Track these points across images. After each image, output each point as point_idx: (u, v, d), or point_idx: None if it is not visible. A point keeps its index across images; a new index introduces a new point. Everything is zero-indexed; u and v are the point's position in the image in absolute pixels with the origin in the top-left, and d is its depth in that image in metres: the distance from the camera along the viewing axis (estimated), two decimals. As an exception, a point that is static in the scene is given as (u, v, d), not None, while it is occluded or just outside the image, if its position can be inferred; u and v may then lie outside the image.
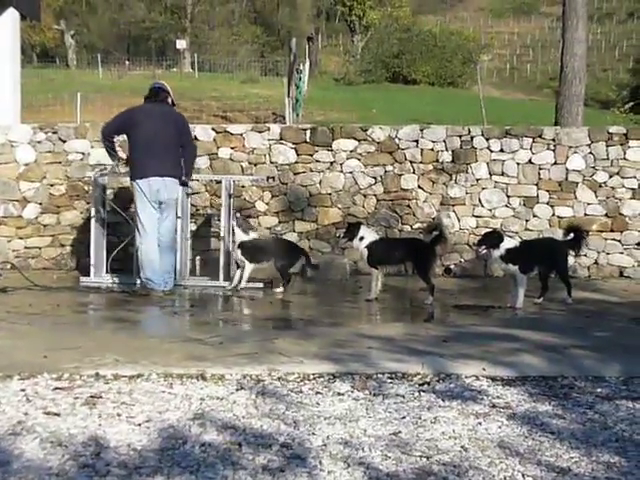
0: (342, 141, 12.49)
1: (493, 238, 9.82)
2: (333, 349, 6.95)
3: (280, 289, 10.53)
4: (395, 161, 12.46)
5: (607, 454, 4.60)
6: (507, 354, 6.87)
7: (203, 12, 69.28)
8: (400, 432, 4.91)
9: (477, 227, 12.38)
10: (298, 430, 4.90)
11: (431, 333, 7.93)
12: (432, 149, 12.46)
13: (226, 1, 72.51)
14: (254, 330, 8.10)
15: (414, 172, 12.46)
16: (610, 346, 7.37)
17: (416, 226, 12.40)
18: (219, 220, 11.48)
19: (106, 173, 11.26)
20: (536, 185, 12.42)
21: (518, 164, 12.41)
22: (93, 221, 11.11)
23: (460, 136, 12.48)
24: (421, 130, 12.53)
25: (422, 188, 12.46)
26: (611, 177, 12.38)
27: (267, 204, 12.49)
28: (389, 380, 6.09)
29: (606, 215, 12.38)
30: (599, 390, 5.94)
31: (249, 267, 10.63)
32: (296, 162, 12.51)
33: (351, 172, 12.47)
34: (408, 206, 12.45)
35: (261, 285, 10.92)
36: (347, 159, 12.48)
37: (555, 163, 12.40)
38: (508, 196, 12.42)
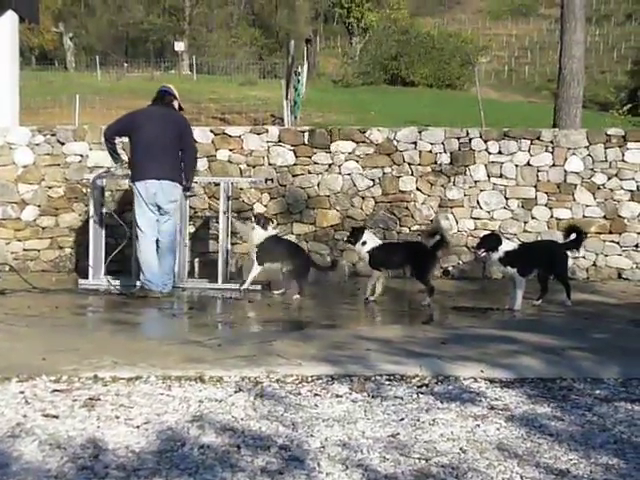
0: (340, 143, 12.49)
1: (492, 241, 9.83)
2: (331, 351, 6.95)
3: (297, 295, 10.39)
4: (393, 163, 12.46)
5: (606, 456, 4.60)
6: (505, 356, 6.87)
7: (201, 14, 69.31)
8: (398, 434, 4.91)
9: (475, 229, 12.39)
10: (296, 432, 4.90)
11: (429, 335, 7.93)
12: (430, 151, 12.46)
13: (224, 3, 72.57)
14: (252, 332, 8.10)
15: (412, 174, 12.47)
16: (609, 348, 7.37)
17: (414, 228, 12.41)
18: (217, 222, 11.47)
19: (105, 175, 11.27)
20: (534, 187, 12.43)
21: (516, 166, 12.41)
22: (91, 223, 11.11)
23: (458, 138, 12.48)
24: (419, 132, 12.54)
25: (420, 190, 12.46)
26: (609, 179, 12.38)
27: (265, 206, 12.49)
28: (387, 382, 6.09)
29: (604, 217, 12.38)
30: (598, 392, 5.94)
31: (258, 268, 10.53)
32: (294, 164, 12.51)
33: (349, 174, 12.48)
34: (406, 208, 12.46)
35: (259, 287, 10.93)
36: (345, 161, 12.48)
37: (553, 165, 12.40)
38: (506, 198, 12.42)
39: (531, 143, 12.42)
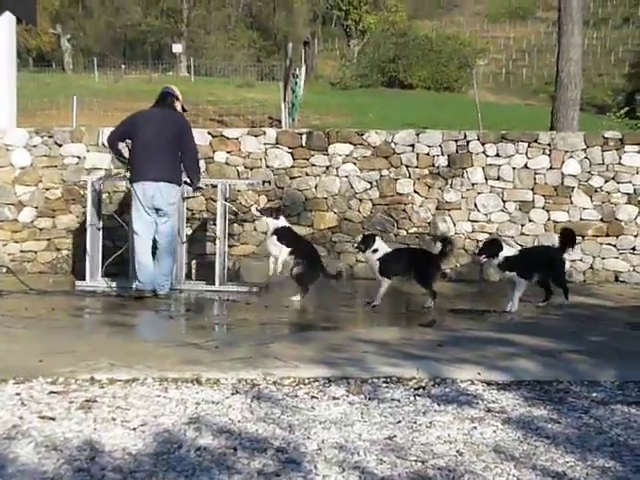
0: (338, 145, 12.49)
1: (493, 247, 9.89)
2: (328, 353, 6.95)
3: (298, 297, 10.35)
4: (391, 165, 12.46)
5: (602, 459, 4.60)
6: (502, 358, 6.88)
7: (199, 16, 69.27)
8: (395, 436, 4.91)
9: (473, 232, 12.39)
10: (293, 434, 4.90)
11: (426, 337, 7.93)
12: (428, 154, 12.46)
13: (222, 5, 72.57)
14: (249, 334, 8.09)
15: (410, 177, 12.46)
16: (605, 351, 7.38)
17: (412, 231, 12.41)
18: (215, 224, 11.47)
19: (102, 177, 11.28)
20: (532, 190, 12.43)
21: (514, 169, 12.41)
22: (89, 225, 11.10)
23: (456, 141, 12.48)
24: (417, 135, 12.54)
25: (418, 192, 12.46)
26: (607, 182, 12.39)
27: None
28: (384, 384, 6.10)
29: (601, 220, 12.39)
30: (594, 395, 5.95)
31: (285, 252, 10.34)
32: (292, 166, 12.51)
33: (347, 176, 12.48)
34: (404, 210, 12.45)
35: (256, 289, 10.94)
36: (343, 163, 12.48)
37: (551, 168, 12.40)
38: (504, 201, 12.42)
39: (528, 146, 12.42)
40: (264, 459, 4.49)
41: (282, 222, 10.51)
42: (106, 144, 11.12)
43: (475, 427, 5.12)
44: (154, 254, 10.36)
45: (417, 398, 5.74)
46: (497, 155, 12.41)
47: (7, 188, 12.44)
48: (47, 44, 67.18)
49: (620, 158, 12.36)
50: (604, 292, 11.44)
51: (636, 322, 9.19)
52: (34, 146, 12.50)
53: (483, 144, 12.44)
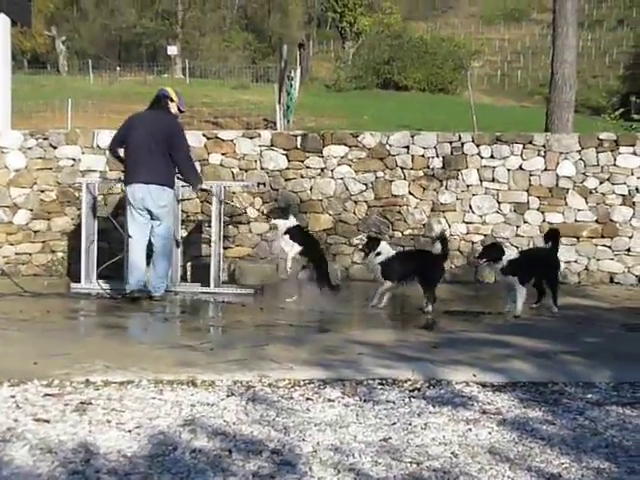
0: (333, 147, 12.51)
1: (494, 251, 9.84)
2: (323, 355, 6.95)
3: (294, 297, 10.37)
4: (386, 167, 12.48)
5: (597, 460, 4.60)
6: (497, 360, 6.88)
7: (194, 18, 69.28)
8: (390, 438, 4.90)
9: (468, 233, 12.42)
10: (288, 436, 4.90)
11: (421, 339, 7.94)
12: (423, 155, 12.48)
13: (217, 7, 72.55)
14: (244, 336, 8.09)
15: (405, 178, 12.48)
16: (600, 352, 7.38)
17: (407, 232, 12.42)
18: (210, 226, 11.47)
19: (97, 179, 11.28)
20: (527, 191, 12.45)
21: (509, 170, 12.44)
22: (84, 227, 11.09)
23: (451, 142, 12.50)
24: (412, 136, 12.56)
25: (413, 194, 12.48)
26: (601, 183, 12.41)
27: (258, 210, 12.49)
28: (379, 386, 6.09)
29: (596, 221, 12.41)
30: (589, 396, 5.94)
31: (296, 250, 10.36)
32: (287, 168, 12.52)
33: (342, 178, 12.49)
34: (399, 212, 12.47)
35: (251, 291, 10.94)
36: (338, 165, 12.50)
37: (545, 169, 12.43)
38: (499, 202, 12.45)
39: (523, 147, 12.45)
40: (259, 461, 4.48)
41: (292, 221, 10.50)
42: (108, 153, 11.10)
43: (470, 429, 5.12)
44: (150, 256, 10.36)
45: (412, 400, 5.74)
46: (492, 157, 12.44)
47: (2, 190, 12.45)
48: (42, 46, 67.12)
49: (615, 159, 12.39)
50: (599, 293, 11.46)
51: (631, 323, 9.21)
52: (29, 148, 12.50)
53: (478, 146, 12.46)
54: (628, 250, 12.42)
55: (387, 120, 31.12)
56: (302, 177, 12.53)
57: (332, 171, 12.51)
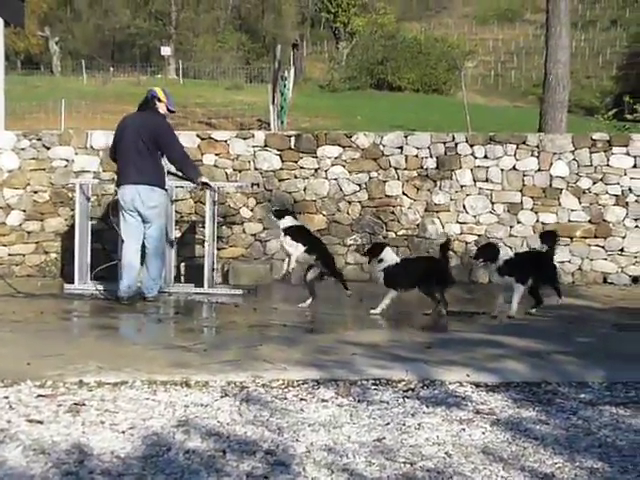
0: (327, 148, 12.52)
1: (490, 251, 9.73)
2: (317, 356, 6.95)
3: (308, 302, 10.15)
4: (379, 168, 12.49)
5: (590, 460, 4.60)
6: (491, 360, 6.88)
7: (188, 19, 69.28)
8: (384, 438, 4.90)
9: (461, 233, 12.43)
10: (282, 437, 4.89)
11: (415, 339, 7.94)
12: (416, 156, 12.49)
13: (211, 8, 72.56)
14: (238, 337, 8.08)
15: (398, 179, 12.49)
16: (593, 352, 7.39)
17: (400, 233, 12.43)
18: (203, 227, 11.47)
19: (90, 180, 11.28)
20: (520, 191, 12.47)
21: (502, 170, 12.46)
22: (77, 228, 11.09)
23: (444, 143, 12.52)
24: (405, 137, 12.57)
25: (406, 195, 12.49)
26: (595, 184, 12.44)
27: (252, 211, 12.50)
28: (373, 386, 6.09)
29: (590, 221, 12.44)
30: (582, 396, 5.95)
31: (297, 251, 9.96)
32: (281, 169, 12.53)
33: (336, 179, 12.50)
34: (392, 212, 12.48)
35: (245, 292, 10.94)
36: (332, 166, 12.51)
37: (539, 170, 12.45)
38: (492, 202, 12.47)
39: (517, 148, 12.47)
40: (253, 462, 4.48)
41: (294, 221, 10.26)
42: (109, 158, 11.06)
43: (464, 429, 5.12)
44: (144, 257, 10.35)
45: (406, 400, 5.74)
46: (485, 157, 12.45)
47: (-5, 191, 12.43)
48: (35, 47, 67.03)
49: (608, 160, 12.42)
50: (592, 293, 11.48)
51: (624, 323, 9.23)
52: (22, 149, 12.50)
53: (471, 146, 12.48)
54: (621, 250, 12.45)
55: (381, 120, 31.12)
56: (296, 177, 12.54)
57: (326, 171, 12.52)
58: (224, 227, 12.38)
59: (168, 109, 10.53)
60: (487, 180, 12.47)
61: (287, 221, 10.08)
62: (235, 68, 58.67)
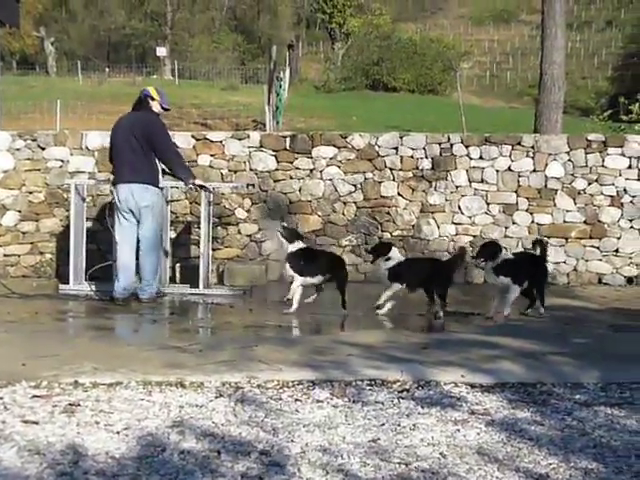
0: (322, 148, 12.51)
1: (491, 249, 9.64)
2: (312, 356, 6.94)
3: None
4: (375, 168, 12.49)
5: (585, 460, 4.61)
6: (486, 361, 6.88)
7: (183, 19, 69.28)
8: (379, 439, 4.90)
9: (457, 234, 12.43)
10: (277, 437, 4.89)
11: (411, 340, 7.93)
12: (412, 156, 12.49)
13: (206, 8, 72.59)
14: (233, 338, 8.08)
15: (394, 179, 12.49)
16: (589, 353, 7.39)
17: (396, 233, 12.43)
18: (199, 227, 11.47)
19: (86, 180, 11.27)
20: (515, 192, 12.47)
21: (497, 171, 12.46)
22: (72, 229, 11.08)
23: (440, 143, 12.52)
24: (401, 137, 12.57)
25: (402, 195, 12.49)
26: (590, 184, 12.44)
27: (247, 211, 12.49)
28: (368, 387, 6.09)
29: (585, 222, 12.44)
30: (578, 396, 5.95)
31: (298, 281, 9.57)
32: (276, 169, 12.52)
33: (331, 179, 12.50)
34: (388, 213, 12.48)
35: (241, 292, 10.94)
36: (327, 166, 12.50)
37: (534, 170, 12.46)
38: (487, 203, 12.47)
39: (512, 148, 12.47)
40: (248, 462, 4.48)
41: (302, 244, 9.80)
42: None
43: (459, 429, 5.12)
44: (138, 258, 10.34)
45: (401, 401, 5.74)
46: (481, 158, 12.46)
47: (-10, 192, 12.41)
48: (31, 47, 67.05)
49: (603, 161, 12.43)
50: (587, 294, 11.48)
51: (619, 324, 9.24)
52: (17, 149, 12.48)
53: (467, 147, 12.48)
54: (616, 251, 12.46)
55: (376, 121, 31.14)
56: (291, 178, 12.53)
57: (321, 172, 12.52)
58: (219, 228, 12.37)
59: (162, 107, 10.49)
60: (482, 181, 12.48)
61: (296, 246, 9.69)
62: (231, 69, 58.74)
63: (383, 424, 5.19)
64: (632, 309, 10.46)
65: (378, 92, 51.97)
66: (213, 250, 11.83)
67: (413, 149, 12.51)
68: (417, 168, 12.51)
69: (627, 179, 12.46)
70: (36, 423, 5.07)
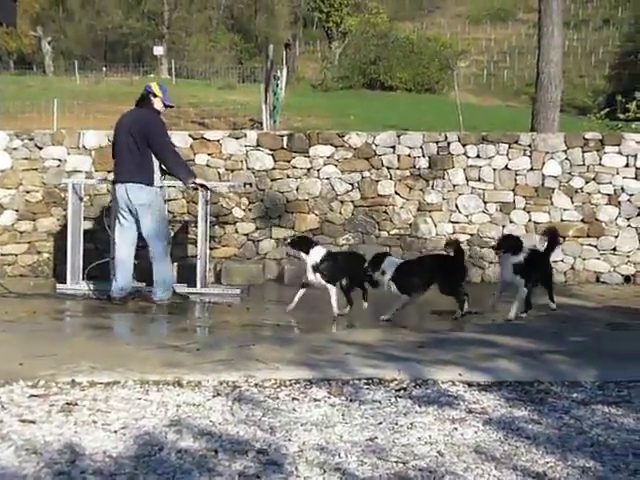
0: (319, 147, 12.51)
1: (512, 242, 9.44)
2: (310, 355, 6.94)
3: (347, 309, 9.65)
4: (372, 167, 12.49)
5: (582, 459, 4.61)
6: (484, 359, 6.88)
7: (180, 18, 69.21)
8: (376, 438, 4.90)
9: (454, 233, 12.44)
10: (274, 436, 4.89)
11: (408, 339, 7.93)
12: (409, 155, 12.50)
13: (204, 7, 72.53)
14: (231, 336, 8.08)
15: (391, 178, 12.49)
16: (586, 351, 7.40)
17: (393, 232, 12.43)
18: (196, 226, 11.46)
19: (83, 180, 11.26)
20: (512, 191, 12.48)
21: (494, 170, 12.46)
22: (70, 228, 11.07)
23: (437, 142, 12.53)
24: (398, 136, 12.57)
25: (399, 194, 12.49)
26: (587, 183, 12.45)
27: (244, 210, 12.49)
28: (366, 386, 6.09)
29: (582, 221, 12.45)
30: (575, 395, 5.95)
31: (333, 290, 9.42)
32: (273, 168, 12.52)
33: (328, 178, 12.49)
34: (385, 212, 12.48)
35: (238, 291, 10.93)
36: (324, 165, 12.50)
37: (531, 169, 12.46)
38: (485, 202, 12.47)
39: (509, 147, 12.48)
40: (245, 461, 4.48)
41: (322, 250, 9.62)
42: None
43: (456, 428, 5.12)
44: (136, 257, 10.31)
45: (398, 399, 5.74)
46: (478, 156, 12.46)
47: (-13, 191, 12.41)
48: (28, 46, 66.94)
49: (600, 159, 12.44)
50: (585, 293, 11.49)
51: (617, 322, 9.25)
52: (14, 149, 12.47)
53: (464, 145, 12.49)
54: (614, 249, 12.46)
55: (373, 120, 31.11)
56: (288, 177, 12.53)
57: (318, 171, 12.52)
58: (217, 227, 12.37)
59: (164, 104, 10.41)
60: (479, 179, 12.48)
61: (316, 254, 9.48)
62: (228, 68, 58.68)
63: (380, 423, 5.19)
64: (629, 307, 10.47)
65: (375, 91, 51.91)
66: (210, 249, 11.82)
67: (410, 148, 12.51)
68: (414, 167, 12.51)
69: (624, 177, 12.47)
70: (33, 422, 5.07)
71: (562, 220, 12.42)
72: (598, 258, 12.49)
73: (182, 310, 10.16)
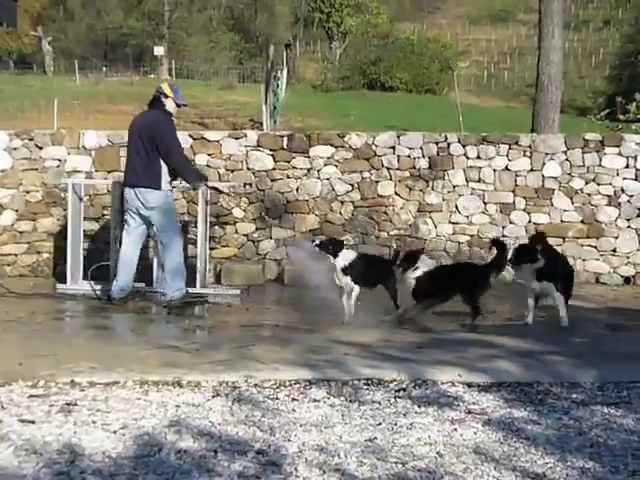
0: (319, 148, 12.50)
1: (528, 252, 9.06)
2: (309, 356, 6.95)
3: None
4: (372, 168, 12.48)
5: (582, 459, 4.61)
6: (483, 360, 6.89)
7: (181, 19, 69.14)
8: (376, 438, 4.91)
9: (454, 234, 12.42)
10: (274, 437, 4.90)
11: (407, 339, 7.94)
12: (409, 156, 12.48)
13: (204, 8, 72.49)
14: (230, 337, 8.09)
15: (391, 179, 12.48)
16: (586, 352, 7.41)
17: (393, 233, 12.42)
18: (196, 227, 11.46)
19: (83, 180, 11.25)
20: (512, 192, 12.47)
21: (495, 171, 12.45)
22: (70, 228, 11.06)
23: (437, 143, 12.51)
24: (398, 137, 12.56)
25: (399, 195, 12.48)
26: (587, 184, 12.44)
27: (244, 211, 12.48)
28: (365, 386, 6.10)
29: (582, 222, 12.43)
30: (574, 396, 5.96)
31: (356, 291, 9.32)
32: (273, 169, 12.51)
33: (328, 179, 12.48)
34: (385, 213, 12.47)
35: (238, 292, 10.93)
36: (324, 166, 12.49)
37: (531, 170, 12.45)
38: (485, 203, 12.46)
39: (509, 148, 12.46)
40: (244, 462, 4.48)
41: (352, 254, 9.57)
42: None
43: (455, 428, 5.13)
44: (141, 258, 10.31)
45: (398, 400, 5.75)
46: (478, 157, 12.45)
47: (-13, 191, 12.40)
48: (28, 46, 66.91)
49: (600, 160, 12.42)
50: (585, 293, 11.46)
51: (616, 323, 9.25)
52: (14, 149, 12.45)
53: (464, 146, 12.47)
54: (614, 250, 12.45)
55: (373, 121, 31.10)
56: (288, 177, 12.52)
57: (318, 171, 12.50)
58: (216, 227, 12.36)
59: (176, 104, 10.32)
60: (479, 180, 12.47)
61: (345, 257, 9.36)
62: (228, 68, 58.76)
63: (380, 423, 5.20)
64: (629, 308, 10.47)
65: (375, 91, 51.91)
66: (210, 249, 11.81)
67: (410, 148, 12.50)
68: (414, 167, 12.50)
69: (624, 179, 12.45)
70: (33, 422, 5.08)
71: (562, 221, 12.41)
72: (598, 259, 12.47)
73: (182, 310, 10.15)
